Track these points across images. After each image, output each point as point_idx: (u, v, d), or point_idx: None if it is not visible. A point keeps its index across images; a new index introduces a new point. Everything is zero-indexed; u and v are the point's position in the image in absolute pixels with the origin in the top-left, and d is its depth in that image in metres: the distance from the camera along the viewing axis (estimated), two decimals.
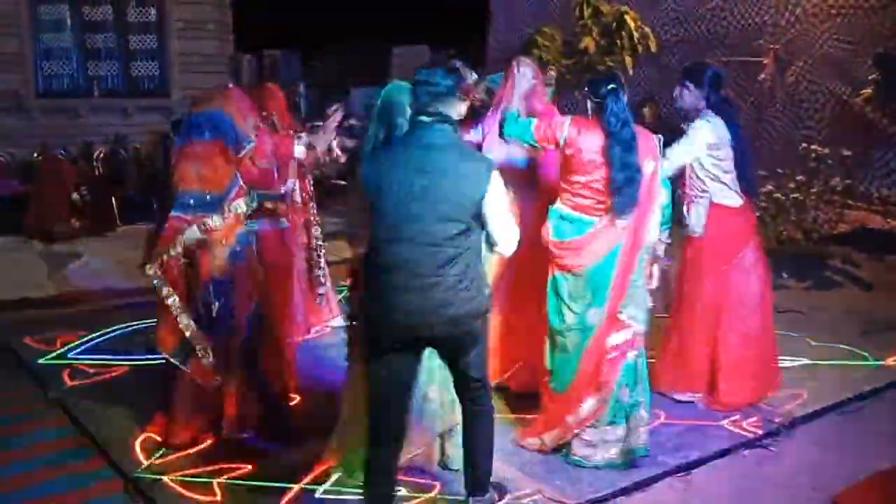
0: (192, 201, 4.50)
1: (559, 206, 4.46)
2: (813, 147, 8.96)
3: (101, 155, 12.04)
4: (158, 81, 13.46)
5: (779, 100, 10.16)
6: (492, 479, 3.97)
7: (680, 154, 5.03)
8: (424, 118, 3.59)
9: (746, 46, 10.29)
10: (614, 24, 9.54)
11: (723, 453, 4.65)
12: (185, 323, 4.48)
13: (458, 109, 3.69)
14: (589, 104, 4.47)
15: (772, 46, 10.19)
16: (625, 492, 4.22)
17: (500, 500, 3.98)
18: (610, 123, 4.27)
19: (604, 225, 4.33)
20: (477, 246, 3.59)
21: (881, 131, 9.07)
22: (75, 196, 10.72)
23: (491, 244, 3.68)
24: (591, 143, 4.31)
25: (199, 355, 4.50)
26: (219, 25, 13.74)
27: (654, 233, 4.53)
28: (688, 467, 4.47)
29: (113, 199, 11.03)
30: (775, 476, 4.43)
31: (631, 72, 9.69)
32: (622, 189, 4.24)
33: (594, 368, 4.40)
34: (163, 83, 13.41)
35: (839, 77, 9.64)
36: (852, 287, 8.01)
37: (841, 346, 6.22)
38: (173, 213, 4.50)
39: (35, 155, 11.55)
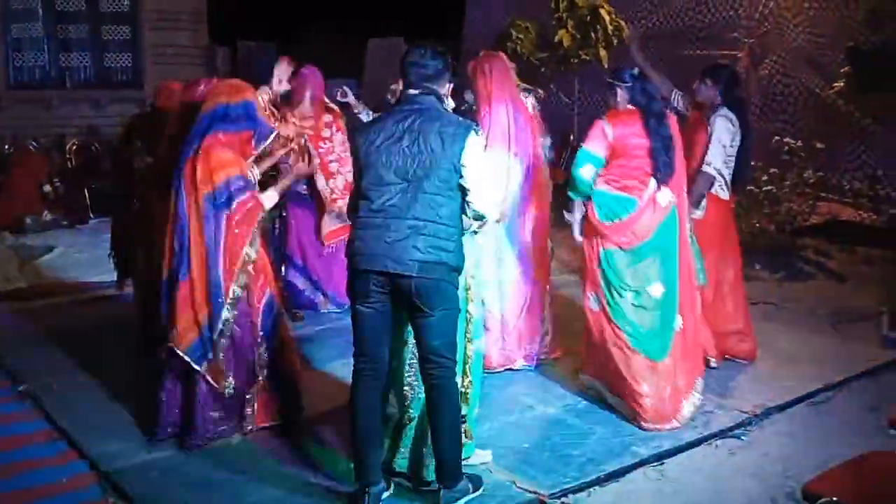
0: (242, 184, 4.42)
1: (604, 188, 4.83)
2: (786, 140, 9.02)
3: (74, 147, 11.92)
4: (131, 73, 13.33)
5: (752, 93, 10.21)
6: (467, 471, 3.99)
7: (716, 154, 5.37)
8: (412, 91, 3.84)
9: (720, 40, 10.34)
10: (589, 17, 9.56)
11: (696, 443, 4.68)
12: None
13: (446, 88, 3.94)
14: (618, 92, 4.89)
15: (745, 40, 10.24)
16: (599, 482, 4.24)
17: (474, 491, 3.95)
18: (641, 102, 4.80)
19: (645, 203, 4.76)
20: (454, 206, 3.75)
21: (853, 124, 9.14)
22: (47, 188, 10.62)
23: (470, 211, 3.80)
24: (627, 129, 4.79)
25: (220, 355, 4.41)
26: (193, 16, 13.63)
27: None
28: (661, 457, 4.51)
29: (85, 191, 10.93)
30: (747, 465, 4.48)
31: (606, 65, 9.73)
32: (660, 156, 4.75)
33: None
34: (136, 75, 13.29)
35: (812, 70, 9.70)
36: (824, 278, 8.08)
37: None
38: (240, 199, 4.40)
39: (6, 147, 11.42)
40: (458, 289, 3.84)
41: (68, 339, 6.18)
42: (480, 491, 4.00)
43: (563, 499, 4.09)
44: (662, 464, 4.46)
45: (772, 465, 4.45)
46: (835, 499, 3.08)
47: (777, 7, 10.00)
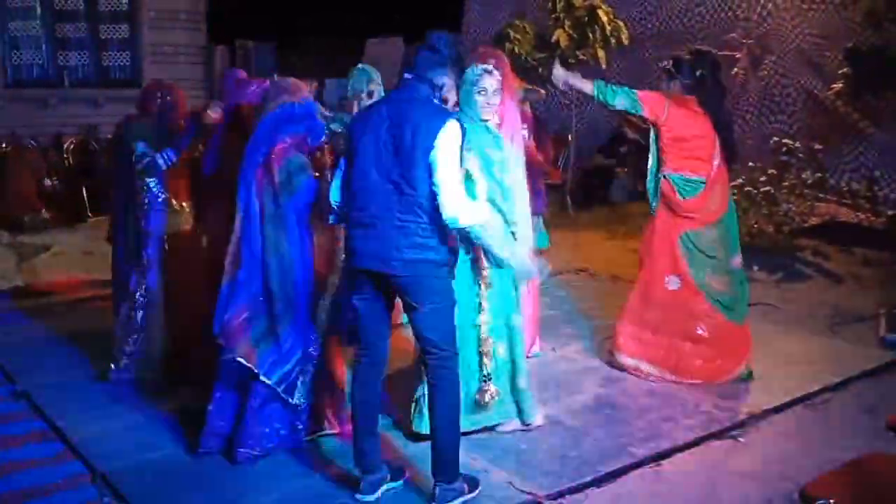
0: (317, 186, 4.32)
1: (677, 172, 5.26)
2: (784, 141, 9.03)
3: (72, 145, 11.91)
4: (130, 72, 13.31)
5: (751, 94, 10.22)
6: (465, 472, 3.98)
7: None
8: (407, 75, 3.81)
9: (720, 40, 10.34)
10: (586, 18, 9.57)
11: (693, 444, 4.68)
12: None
13: (445, 79, 3.85)
14: (678, 82, 5.31)
15: (744, 41, 10.24)
16: (596, 482, 4.23)
17: (470, 492, 3.95)
18: (700, 91, 5.29)
19: (712, 180, 5.24)
20: (437, 201, 3.66)
21: (851, 125, 9.15)
22: (47, 182, 10.61)
23: (442, 215, 3.66)
24: (687, 113, 5.21)
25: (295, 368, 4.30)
26: (192, 15, 13.63)
27: None
28: (658, 458, 4.50)
29: (83, 189, 10.92)
30: (744, 467, 4.46)
31: (604, 65, 9.73)
32: (725, 135, 5.29)
33: None
34: (134, 73, 13.27)
35: (811, 71, 9.71)
36: (822, 279, 8.07)
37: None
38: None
39: (3, 145, 11.40)
40: (450, 281, 3.85)
41: (65, 339, 6.18)
42: (476, 492, 3.99)
43: (559, 499, 4.07)
44: (659, 465, 4.45)
45: (769, 467, 4.43)
46: (832, 501, 3.06)
47: (776, 8, 10.01)
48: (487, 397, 4.42)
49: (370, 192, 3.73)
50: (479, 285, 4.39)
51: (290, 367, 4.28)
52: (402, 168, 3.66)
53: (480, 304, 4.41)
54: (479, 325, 4.42)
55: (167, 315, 5.38)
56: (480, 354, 4.43)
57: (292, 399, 4.32)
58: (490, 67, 4.49)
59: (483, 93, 4.40)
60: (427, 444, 4.02)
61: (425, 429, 4.23)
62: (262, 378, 4.22)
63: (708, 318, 5.39)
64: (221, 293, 4.24)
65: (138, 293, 5.31)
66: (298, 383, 4.33)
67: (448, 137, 3.64)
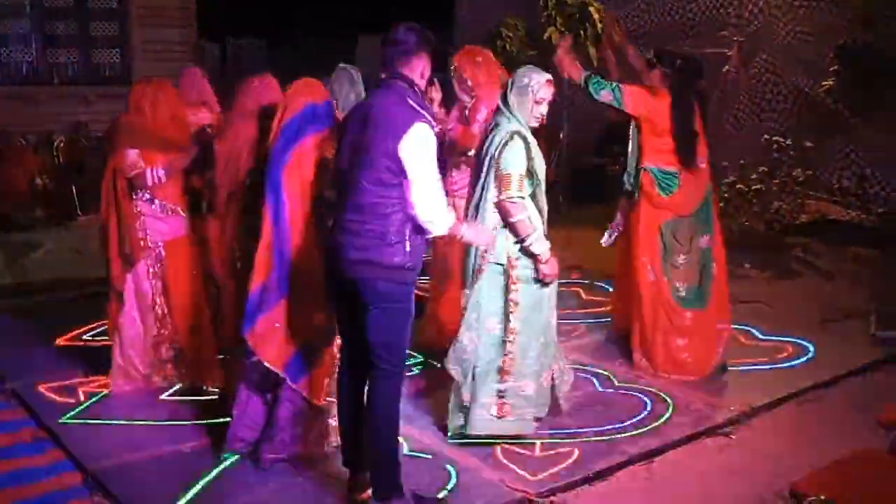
0: None
1: (655, 165, 5.42)
2: (775, 138, 9.04)
3: (61, 143, 11.86)
4: (120, 69, 13.25)
5: (743, 91, 10.22)
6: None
7: None
8: (382, 75, 3.76)
9: (712, 38, 10.34)
10: (578, 15, 9.58)
11: (684, 442, 4.68)
12: None
13: (420, 68, 3.78)
14: (657, 70, 5.43)
15: (736, 38, 10.25)
16: (587, 480, 4.24)
17: None
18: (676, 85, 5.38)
19: (688, 172, 5.40)
20: (394, 203, 3.61)
21: (842, 123, 9.16)
22: (37, 180, 10.57)
23: (416, 214, 3.63)
24: (665, 107, 5.33)
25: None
26: (182, 13, 13.56)
27: None
28: (649, 455, 4.50)
29: (73, 188, 10.87)
30: (736, 464, 4.48)
31: (596, 63, 9.71)
32: (684, 139, 5.38)
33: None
34: (124, 71, 13.20)
35: (801, 69, 9.71)
36: (813, 277, 8.09)
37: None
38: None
39: None
40: (404, 286, 3.73)
41: (54, 337, 6.15)
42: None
43: (551, 497, 4.08)
44: (651, 462, 4.46)
45: (760, 464, 4.45)
46: (823, 497, 3.08)
47: (767, 5, 10.00)
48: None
49: (340, 192, 3.78)
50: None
51: (311, 371, 4.24)
52: (363, 169, 3.60)
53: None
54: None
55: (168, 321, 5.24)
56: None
57: (319, 402, 4.28)
58: (549, 76, 4.49)
59: (542, 103, 4.44)
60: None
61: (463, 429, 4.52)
62: (290, 383, 4.20)
63: (676, 313, 5.54)
64: (252, 296, 4.16)
65: (135, 299, 5.17)
66: (327, 386, 4.28)
67: (414, 141, 3.57)
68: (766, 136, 9.18)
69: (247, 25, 15.82)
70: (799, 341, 6.15)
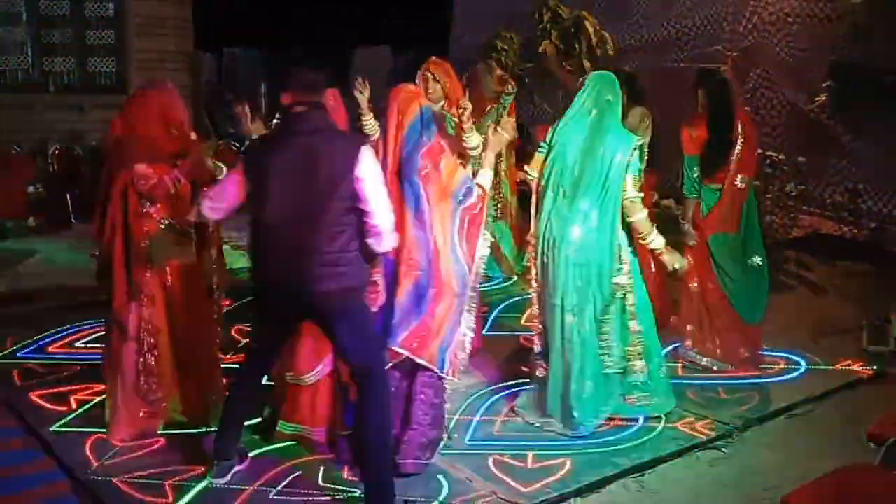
0: (470, 184, 4.32)
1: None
2: (768, 153, 9.06)
3: (56, 152, 11.84)
4: (116, 78, 13.25)
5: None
6: None
7: None
8: (297, 107, 3.83)
9: (705, 53, 10.39)
10: (573, 29, 9.62)
11: (676, 455, 4.69)
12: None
13: (327, 98, 4.07)
14: (703, 91, 5.93)
15: (730, 53, 10.29)
16: (579, 493, 4.24)
17: None
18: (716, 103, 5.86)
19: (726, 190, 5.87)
20: (354, 226, 3.76)
21: (835, 138, 9.19)
22: (31, 190, 10.55)
23: (371, 237, 3.79)
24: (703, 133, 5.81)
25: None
26: (178, 22, 13.57)
27: None
28: (641, 469, 4.51)
29: (68, 196, 10.85)
30: (727, 477, 4.49)
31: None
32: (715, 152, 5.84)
33: None
34: (120, 80, 13.19)
35: (795, 84, 9.76)
36: (805, 291, 8.11)
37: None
38: (470, 201, 4.31)
39: None
40: (364, 300, 4.00)
41: (47, 345, 6.14)
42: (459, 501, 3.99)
43: None
44: (643, 475, 4.46)
45: (751, 478, 4.46)
46: None
47: (761, 21, 10.05)
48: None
49: (284, 229, 3.81)
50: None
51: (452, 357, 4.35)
52: (322, 198, 3.70)
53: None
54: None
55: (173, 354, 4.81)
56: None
57: (453, 377, 4.38)
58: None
59: None
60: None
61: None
62: (440, 373, 4.29)
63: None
64: (404, 303, 4.20)
65: (142, 333, 4.68)
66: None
67: (369, 159, 3.78)
68: (759, 151, 9.20)
69: (243, 35, 15.81)
70: (791, 355, 6.16)
